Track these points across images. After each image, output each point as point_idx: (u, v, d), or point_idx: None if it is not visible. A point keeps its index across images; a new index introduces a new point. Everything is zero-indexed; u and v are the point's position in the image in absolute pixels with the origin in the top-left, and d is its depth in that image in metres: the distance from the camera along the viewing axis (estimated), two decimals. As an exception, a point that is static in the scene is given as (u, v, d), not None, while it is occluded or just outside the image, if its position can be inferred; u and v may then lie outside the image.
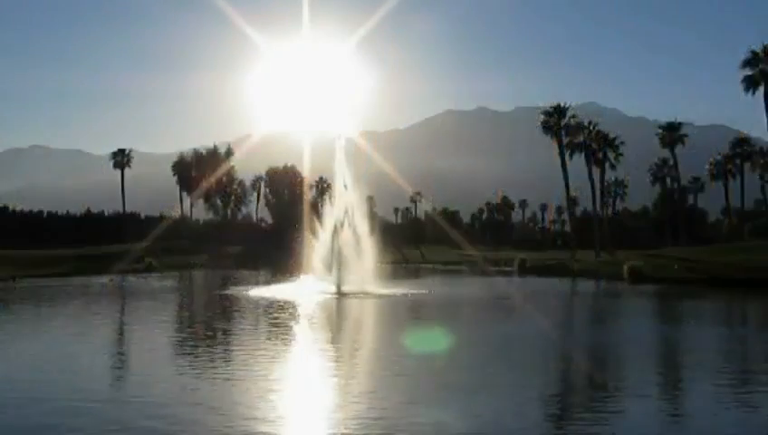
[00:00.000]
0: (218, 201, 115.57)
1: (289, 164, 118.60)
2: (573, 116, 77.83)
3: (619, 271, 47.32)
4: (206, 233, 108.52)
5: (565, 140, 76.94)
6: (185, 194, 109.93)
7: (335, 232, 35.25)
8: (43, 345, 17.28)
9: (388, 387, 12.30)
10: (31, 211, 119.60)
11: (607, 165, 78.47)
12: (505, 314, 27.50)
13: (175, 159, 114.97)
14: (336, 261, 34.30)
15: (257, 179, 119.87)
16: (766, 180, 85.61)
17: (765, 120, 58.52)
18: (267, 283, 42.50)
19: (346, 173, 37.14)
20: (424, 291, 36.21)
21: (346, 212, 35.59)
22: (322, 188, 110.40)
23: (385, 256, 35.83)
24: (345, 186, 36.82)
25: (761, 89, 60.52)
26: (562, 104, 77.67)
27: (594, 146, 76.94)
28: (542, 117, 77.66)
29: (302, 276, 40.33)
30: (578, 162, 77.52)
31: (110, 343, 18.85)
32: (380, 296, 31.01)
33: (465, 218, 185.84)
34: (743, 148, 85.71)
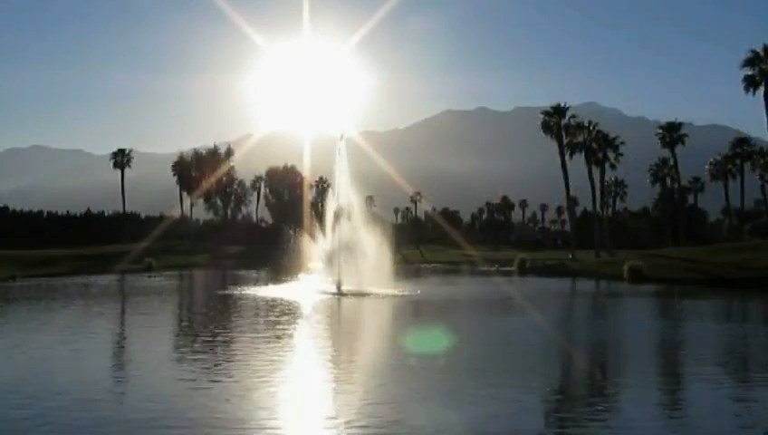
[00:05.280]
0: (218, 201, 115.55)
1: (289, 164, 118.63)
2: (573, 116, 77.90)
3: (619, 271, 47.30)
4: (206, 233, 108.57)
5: (565, 140, 77.00)
6: (185, 194, 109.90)
7: (335, 231, 35.22)
8: (47, 343, 17.27)
9: (387, 387, 12.30)
10: (31, 211, 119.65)
11: (607, 165, 78.50)
12: (505, 313, 27.50)
13: (175, 159, 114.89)
14: (336, 261, 34.27)
15: (257, 179, 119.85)
16: (766, 180, 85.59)
17: (765, 120, 58.57)
18: (267, 282, 42.51)
19: (346, 171, 37.02)
20: (424, 291, 36.17)
21: (345, 211, 35.50)
22: (322, 188, 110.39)
23: (384, 256, 35.73)
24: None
25: (761, 89, 60.62)
26: (562, 104, 77.81)
27: (594, 146, 76.98)
28: (542, 117, 77.74)
29: (301, 276, 40.35)
30: (578, 162, 77.56)
31: (110, 342, 18.83)
32: (381, 296, 30.99)
33: (465, 218, 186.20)
34: (743, 148, 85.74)
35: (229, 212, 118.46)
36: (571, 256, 72.82)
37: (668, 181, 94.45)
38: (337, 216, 35.39)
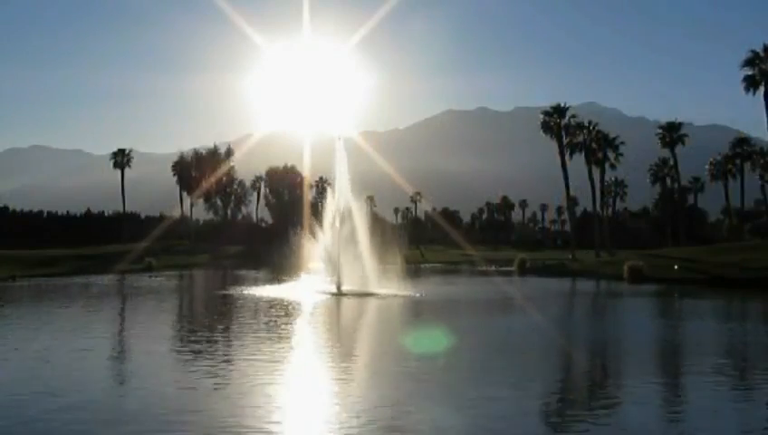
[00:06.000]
0: (218, 201, 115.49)
1: (289, 164, 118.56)
2: (573, 116, 77.87)
3: (619, 271, 47.27)
4: (206, 233, 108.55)
5: (565, 140, 76.96)
6: (185, 194, 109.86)
7: (334, 231, 35.18)
8: (46, 344, 17.26)
9: (387, 388, 12.29)
10: (31, 211, 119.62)
11: (607, 165, 78.47)
12: (506, 313, 27.49)
13: (175, 159, 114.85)
14: (336, 261, 34.24)
15: (257, 179, 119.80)
16: (766, 180, 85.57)
17: (765, 120, 58.57)
18: (267, 283, 42.50)
19: (345, 173, 36.95)
20: (424, 291, 36.16)
21: (345, 211, 35.46)
22: (322, 188, 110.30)
23: (385, 257, 35.72)
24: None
25: (761, 89, 60.63)
26: (562, 104, 77.76)
27: (594, 146, 76.95)
28: (542, 117, 77.71)
29: (302, 276, 40.32)
30: (578, 162, 77.53)
31: (110, 343, 18.81)
32: (381, 296, 30.97)
33: (465, 218, 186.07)
34: (743, 148, 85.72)
35: (229, 212, 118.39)
36: (571, 256, 72.78)
37: (668, 181, 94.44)
38: (336, 216, 35.35)
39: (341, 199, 36.10)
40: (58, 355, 15.68)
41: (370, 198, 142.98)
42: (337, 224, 35.17)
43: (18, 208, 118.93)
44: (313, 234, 37.83)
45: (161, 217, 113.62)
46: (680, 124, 79.75)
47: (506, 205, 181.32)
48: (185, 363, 14.78)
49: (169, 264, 67.72)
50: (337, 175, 37.28)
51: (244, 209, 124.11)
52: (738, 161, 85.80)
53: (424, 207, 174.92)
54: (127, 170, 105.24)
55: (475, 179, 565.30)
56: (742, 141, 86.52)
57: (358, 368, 14.57)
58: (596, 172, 77.84)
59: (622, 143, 78.67)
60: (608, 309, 30.13)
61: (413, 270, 66.92)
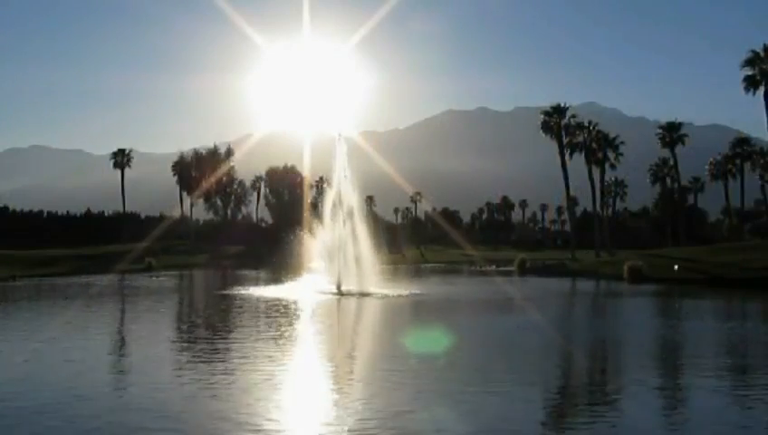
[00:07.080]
0: (218, 201, 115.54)
1: (289, 164, 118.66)
2: (573, 116, 77.94)
3: (618, 271, 47.26)
4: (206, 233, 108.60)
5: (565, 140, 77.05)
6: (185, 194, 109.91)
7: (334, 231, 35.16)
8: (46, 343, 17.26)
9: (387, 388, 12.28)
10: (31, 211, 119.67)
11: (607, 165, 78.55)
12: (506, 313, 27.48)
13: (175, 159, 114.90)
14: (336, 261, 34.24)
15: (257, 179, 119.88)
16: (766, 180, 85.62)
17: (765, 120, 58.59)
18: (267, 282, 42.49)
19: (346, 169, 36.89)
20: (424, 291, 36.16)
21: (343, 207, 35.40)
22: (322, 188, 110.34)
23: (385, 256, 35.67)
24: (345, 175, 36.53)
25: (761, 89, 60.68)
26: (562, 104, 77.86)
27: (594, 146, 77.04)
28: (542, 117, 77.79)
29: (302, 276, 40.33)
30: (578, 162, 77.62)
31: (110, 342, 18.81)
32: (381, 296, 30.97)
33: (465, 218, 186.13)
34: (743, 148, 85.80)
35: (229, 212, 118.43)
36: (571, 256, 72.80)
37: (668, 181, 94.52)
38: (335, 215, 35.33)
39: (340, 200, 35.98)
40: (56, 355, 15.66)
41: (370, 198, 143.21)
42: (336, 223, 35.07)
43: (18, 208, 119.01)
44: (313, 234, 37.81)
45: (161, 217, 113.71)
46: (680, 124, 79.84)
47: (506, 205, 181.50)
48: (183, 363, 14.77)
49: (169, 264, 67.75)
50: (336, 168, 37.14)
51: (244, 209, 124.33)
52: (738, 161, 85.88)
53: (424, 207, 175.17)
54: (127, 170, 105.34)
55: (475, 179, 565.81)
56: (742, 141, 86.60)
57: (357, 367, 14.56)
58: (596, 172, 77.98)
59: (622, 143, 78.75)
60: (607, 309, 30.11)
61: (413, 270, 66.95)
